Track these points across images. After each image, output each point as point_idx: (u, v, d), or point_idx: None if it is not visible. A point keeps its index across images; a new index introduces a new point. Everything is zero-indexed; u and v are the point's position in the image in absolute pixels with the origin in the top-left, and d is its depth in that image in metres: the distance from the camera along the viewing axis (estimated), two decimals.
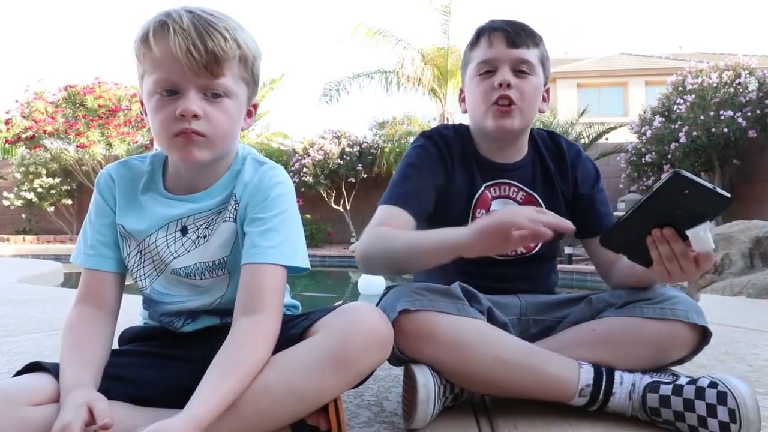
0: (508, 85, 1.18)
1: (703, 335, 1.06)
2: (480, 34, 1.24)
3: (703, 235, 0.91)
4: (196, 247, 0.98)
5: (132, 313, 1.16)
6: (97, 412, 0.76)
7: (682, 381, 0.99)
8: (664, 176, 0.90)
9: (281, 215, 0.95)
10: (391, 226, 1.14)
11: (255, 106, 1.01)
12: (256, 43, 0.94)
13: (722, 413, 0.92)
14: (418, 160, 1.24)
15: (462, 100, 1.33)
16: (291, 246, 0.94)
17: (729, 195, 0.88)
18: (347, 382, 0.86)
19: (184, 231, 0.98)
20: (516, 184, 1.28)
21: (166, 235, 0.98)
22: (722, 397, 0.93)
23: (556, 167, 1.30)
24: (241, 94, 0.93)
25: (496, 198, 1.27)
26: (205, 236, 0.98)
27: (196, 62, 0.85)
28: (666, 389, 0.99)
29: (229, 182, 0.99)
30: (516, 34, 1.20)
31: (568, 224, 0.92)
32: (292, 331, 0.91)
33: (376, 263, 1.13)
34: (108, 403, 0.80)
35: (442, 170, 1.25)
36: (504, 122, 1.20)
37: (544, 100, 1.27)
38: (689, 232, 0.92)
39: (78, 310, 0.96)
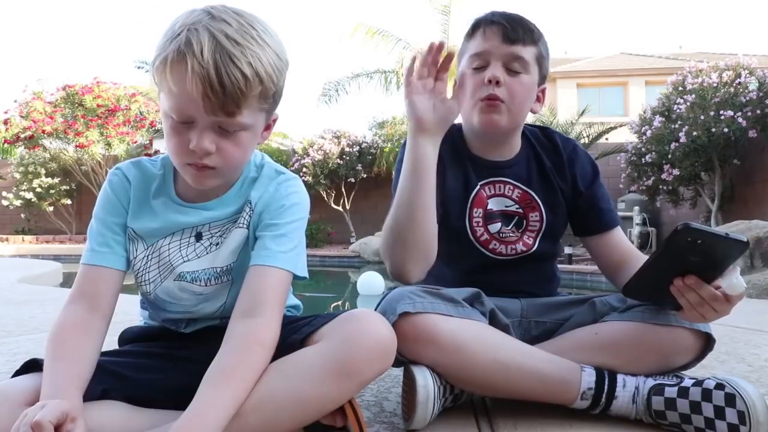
0: (497, 83, 1.15)
1: (706, 341, 1.05)
2: (477, 25, 1.20)
3: (736, 282, 0.90)
4: (207, 253, 0.98)
5: (132, 313, 1.16)
6: (40, 413, 0.71)
7: (687, 383, 0.99)
8: (676, 226, 0.86)
9: (295, 223, 0.96)
10: None
11: (275, 120, 0.96)
12: (281, 59, 0.88)
13: (731, 415, 0.91)
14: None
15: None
16: (299, 255, 0.95)
17: (745, 239, 0.85)
18: (350, 390, 0.85)
19: (198, 237, 0.98)
20: (511, 181, 1.26)
21: (180, 240, 0.98)
22: (730, 399, 0.92)
23: (551, 163, 1.28)
24: (259, 124, 0.90)
25: (492, 197, 1.25)
26: (218, 243, 0.98)
27: (211, 105, 0.81)
28: (671, 392, 0.99)
29: (243, 190, 0.99)
30: (513, 29, 1.16)
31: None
32: (294, 335, 0.90)
33: (390, 246, 1.14)
34: (59, 414, 0.73)
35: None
36: (491, 117, 1.17)
37: (538, 99, 1.24)
38: (723, 284, 0.90)
39: (70, 312, 0.92)
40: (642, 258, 1.23)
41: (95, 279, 0.95)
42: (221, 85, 0.79)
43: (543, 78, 1.23)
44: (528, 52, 1.17)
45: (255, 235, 0.96)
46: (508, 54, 1.16)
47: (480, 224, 1.25)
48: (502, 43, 1.16)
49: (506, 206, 1.26)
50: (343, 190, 10.41)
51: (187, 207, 0.98)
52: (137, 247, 0.98)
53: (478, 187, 1.25)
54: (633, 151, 7.55)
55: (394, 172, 1.26)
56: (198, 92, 0.79)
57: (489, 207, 1.25)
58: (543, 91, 1.25)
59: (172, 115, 0.84)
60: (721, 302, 0.93)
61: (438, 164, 1.21)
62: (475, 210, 1.25)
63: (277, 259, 0.91)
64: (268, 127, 0.95)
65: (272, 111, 0.93)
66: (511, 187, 1.26)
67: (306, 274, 0.96)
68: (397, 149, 10.26)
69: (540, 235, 1.26)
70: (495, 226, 1.25)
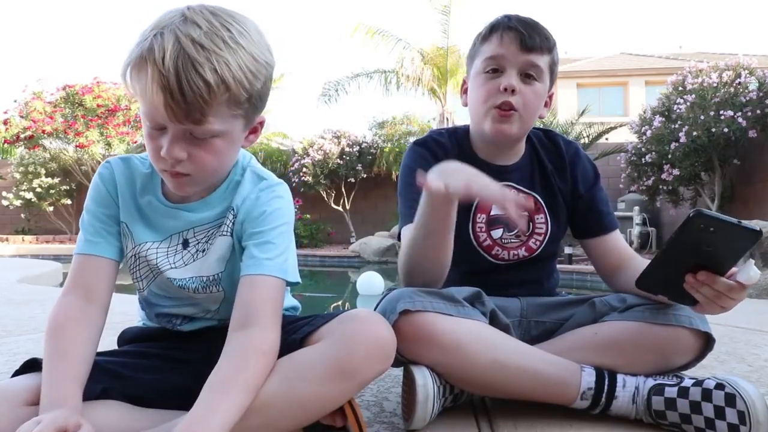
0: (513, 91, 1.15)
1: (706, 341, 1.05)
2: (494, 28, 1.19)
3: (753, 274, 0.89)
4: (194, 260, 0.97)
5: (130, 313, 1.16)
6: (37, 428, 0.71)
7: (687, 383, 0.99)
8: (689, 213, 0.86)
9: (279, 228, 0.94)
10: None
11: (261, 123, 0.93)
12: (258, 61, 0.83)
13: (731, 415, 0.91)
14: (415, 164, 1.21)
15: (464, 91, 1.29)
16: (287, 260, 0.93)
17: (758, 228, 0.85)
18: (350, 390, 0.84)
19: (185, 244, 0.97)
20: (515, 185, 1.26)
21: (168, 247, 0.97)
22: (730, 399, 0.92)
23: (553, 166, 1.29)
24: (234, 129, 0.86)
25: None
26: (203, 250, 0.97)
27: (174, 113, 0.77)
28: (671, 392, 0.99)
29: (227, 194, 0.97)
30: (530, 36, 1.15)
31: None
32: (293, 336, 0.90)
33: (408, 274, 1.12)
34: (57, 428, 0.72)
35: None
36: (502, 127, 1.18)
37: (546, 105, 1.24)
38: (741, 278, 0.90)
39: (67, 304, 0.91)
40: (640, 261, 1.22)
41: (89, 269, 0.94)
42: (182, 94, 0.76)
43: (552, 84, 1.24)
44: (543, 60, 1.18)
45: (241, 245, 0.95)
46: (524, 62, 1.16)
47: (483, 230, 1.25)
48: (519, 50, 1.16)
49: None
50: (343, 190, 10.40)
51: (173, 208, 0.97)
52: (127, 245, 0.98)
53: None
54: (633, 151, 7.55)
55: (399, 180, 1.26)
56: (160, 101, 0.77)
57: (493, 213, 1.25)
58: (550, 96, 1.26)
59: (146, 121, 0.83)
60: (738, 291, 0.93)
61: None
62: (478, 215, 1.25)
63: (265, 266, 0.90)
64: (254, 130, 0.92)
65: (253, 115, 0.88)
66: (516, 192, 1.26)
67: (297, 279, 0.94)
68: (397, 149, 10.26)
69: (546, 239, 1.26)
70: (497, 232, 1.25)
